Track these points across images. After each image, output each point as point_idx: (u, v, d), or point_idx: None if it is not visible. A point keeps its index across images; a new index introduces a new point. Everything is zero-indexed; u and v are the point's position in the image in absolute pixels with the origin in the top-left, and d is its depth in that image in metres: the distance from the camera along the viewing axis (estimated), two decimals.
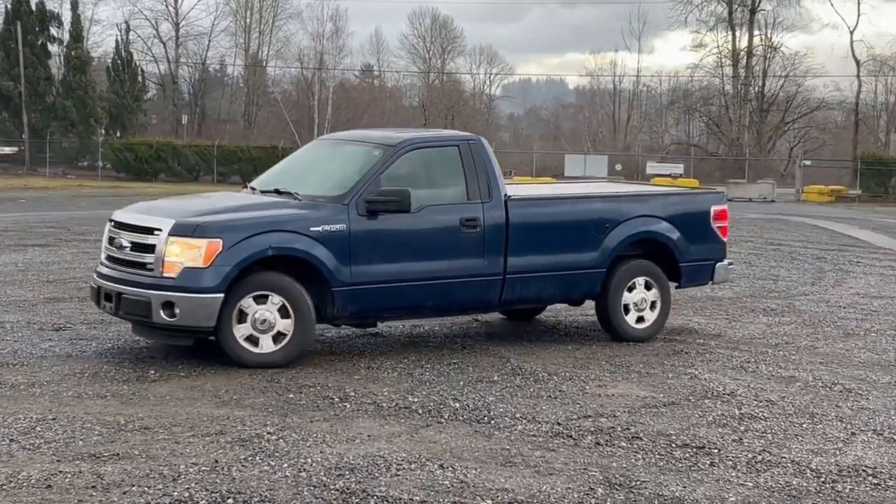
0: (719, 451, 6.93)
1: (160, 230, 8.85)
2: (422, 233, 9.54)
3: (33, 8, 63.51)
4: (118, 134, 64.83)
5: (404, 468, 6.34)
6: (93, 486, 5.86)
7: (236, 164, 59.12)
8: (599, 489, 6.10)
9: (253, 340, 8.89)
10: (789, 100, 73.80)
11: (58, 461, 6.30)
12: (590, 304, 11.16)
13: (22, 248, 18.25)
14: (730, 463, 6.69)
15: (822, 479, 6.41)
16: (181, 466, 6.23)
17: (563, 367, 9.31)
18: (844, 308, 13.40)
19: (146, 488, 5.85)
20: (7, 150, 60.34)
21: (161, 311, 8.66)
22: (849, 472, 6.58)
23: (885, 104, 75.79)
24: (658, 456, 6.79)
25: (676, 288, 11.24)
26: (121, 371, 8.68)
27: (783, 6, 72.51)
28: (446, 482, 6.12)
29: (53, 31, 65.53)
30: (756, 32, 72.97)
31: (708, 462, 6.69)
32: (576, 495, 5.98)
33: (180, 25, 76.47)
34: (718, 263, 11.22)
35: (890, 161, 54.73)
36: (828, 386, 8.92)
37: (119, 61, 67.15)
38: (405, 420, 7.44)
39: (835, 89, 73.83)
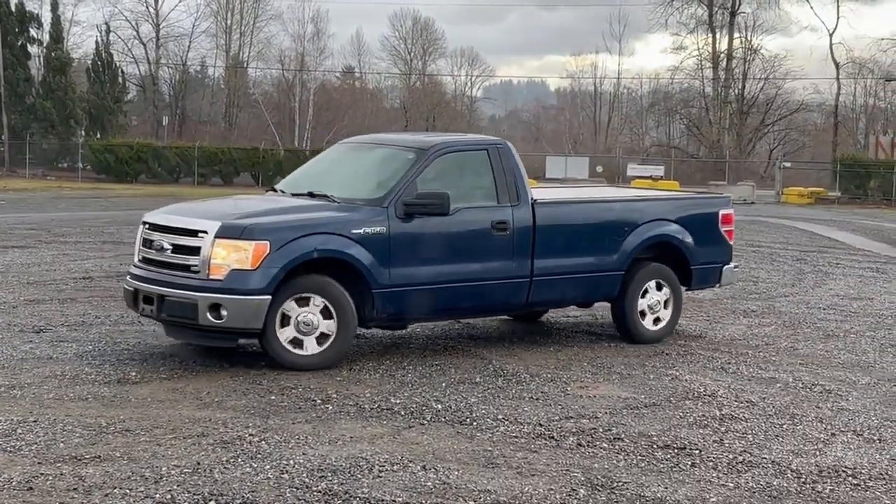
0: (700, 451, 6.97)
1: (205, 232, 8.81)
2: (456, 235, 9.64)
3: (13, 9, 63.20)
4: (98, 135, 64.49)
5: (387, 469, 6.34)
6: (74, 489, 5.84)
7: (217, 166, 59.04)
8: (581, 490, 6.12)
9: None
10: (769, 102, 74.10)
11: (39, 463, 6.28)
12: (572, 308, 11.20)
13: (1, 249, 18.15)
14: (711, 464, 6.72)
15: (803, 480, 6.45)
16: (163, 468, 6.21)
17: (544, 369, 9.34)
18: (824, 309, 13.48)
19: (128, 490, 5.83)
20: None
21: (208, 313, 8.63)
22: (829, 472, 6.62)
23: (864, 107, 76.27)
24: (640, 457, 6.81)
25: (686, 290, 11.36)
26: (102, 373, 8.64)
27: (763, 9, 72.82)
28: (429, 483, 6.12)
29: (33, 31, 65.23)
30: (736, 35, 73.21)
31: (689, 463, 6.72)
32: (558, 496, 6.00)
33: (161, 27, 76.21)
34: (725, 266, 11.47)
35: (869, 163, 55.02)
36: (808, 387, 8.97)
37: (99, 62, 66.82)
38: (388, 421, 7.45)
39: (814, 92, 74.22)
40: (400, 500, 5.85)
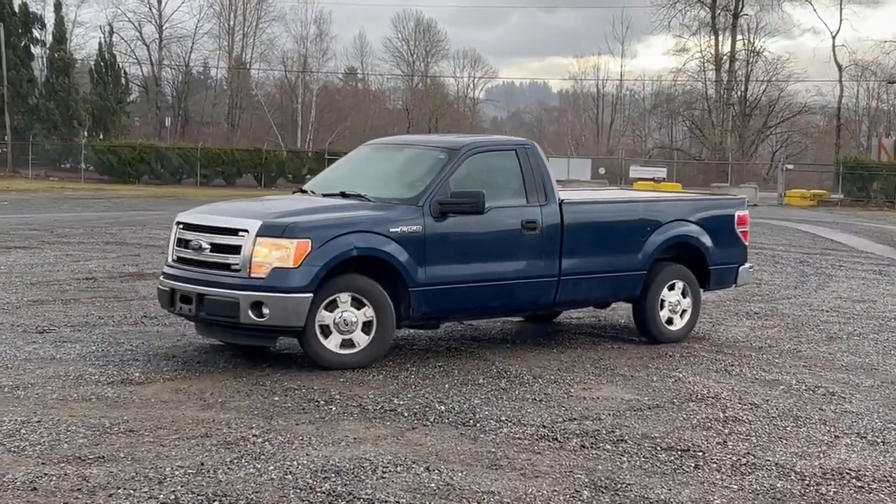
0: (704, 453, 6.96)
1: (246, 231, 8.83)
2: (488, 234, 9.70)
3: (16, 9, 63.31)
4: (101, 136, 64.60)
5: (390, 471, 6.34)
6: (78, 489, 5.84)
7: (220, 167, 59.13)
8: (585, 492, 6.11)
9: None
10: (772, 104, 74.18)
11: (43, 464, 6.28)
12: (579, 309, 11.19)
13: (5, 250, 18.17)
14: (714, 466, 6.71)
15: (807, 482, 6.44)
16: (167, 469, 6.21)
17: (548, 370, 9.33)
18: (827, 311, 13.47)
19: (132, 491, 5.83)
20: None
21: (249, 312, 8.65)
22: (833, 474, 6.61)
23: (866, 109, 76.31)
24: (643, 459, 6.81)
25: (704, 290, 11.40)
26: (105, 374, 8.65)
27: (766, 11, 72.98)
28: (432, 485, 6.12)
29: (36, 32, 65.36)
30: (739, 37, 73.34)
31: (693, 465, 6.72)
32: (561, 498, 6.00)
33: (164, 28, 76.37)
34: (741, 267, 11.59)
35: (871, 165, 55.04)
36: (811, 389, 8.96)
37: (102, 63, 66.90)
38: (391, 423, 7.45)
39: (817, 94, 74.42)
40: (403, 501, 5.85)
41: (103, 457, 6.43)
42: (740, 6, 72.40)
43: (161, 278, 9.60)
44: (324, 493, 5.91)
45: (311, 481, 6.09)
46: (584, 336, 11.20)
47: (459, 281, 9.47)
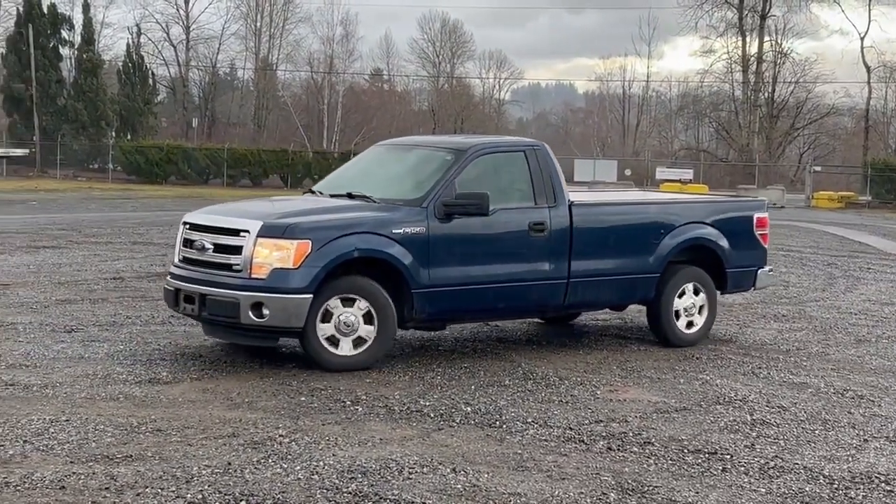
0: (731, 456, 6.92)
1: (247, 231, 8.86)
2: (494, 236, 9.66)
3: (45, 11, 63.79)
4: (129, 137, 65.04)
5: (416, 471, 6.34)
6: (106, 488, 5.87)
7: (246, 168, 59.37)
8: (612, 494, 6.09)
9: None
10: (799, 106, 73.71)
11: (71, 462, 6.32)
12: (602, 311, 11.16)
13: (34, 249, 18.30)
14: (742, 469, 6.68)
15: (835, 486, 6.40)
16: (194, 468, 6.24)
17: (574, 372, 9.31)
18: (855, 314, 13.38)
19: (159, 490, 5.86)
20: (19, 152, 60.50)
21: (250, 312, 8.68)
22: (861, 478, 6.57)
23: (895, 110, 75.64)
24: (670, 461, 6.78)
25: (721, 294, 11.33)
26: (133, 373, 8.69)
27: (793, 12, 72.50)
28: (458, 486, 6.12)
29: (65, 33, 65.86)
30: (766, 38, 72.90)
31: (720, 468, 6.68)
32: (588, 500, 5.98)
33: (191, 29, 76.67)
34: (760, 270, 11.44)
35: None
36: (840, 392, 8.90)
37: (130, 64, 67.34)
38: (417, 423, 7.45)
39: (845, 95, 73.79)
40: (430, 502, 5.84)
41: (131, 456, 6.46)
42: (768, 7, 72.02)
43: (167, 278, 9.66)
44: (350, 493, 5.92)
45: (337, 481, 6.10)
46: (609, 338, 11.16)
47: (464, 283, 9.43)
